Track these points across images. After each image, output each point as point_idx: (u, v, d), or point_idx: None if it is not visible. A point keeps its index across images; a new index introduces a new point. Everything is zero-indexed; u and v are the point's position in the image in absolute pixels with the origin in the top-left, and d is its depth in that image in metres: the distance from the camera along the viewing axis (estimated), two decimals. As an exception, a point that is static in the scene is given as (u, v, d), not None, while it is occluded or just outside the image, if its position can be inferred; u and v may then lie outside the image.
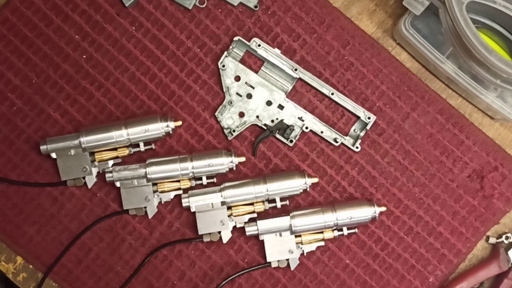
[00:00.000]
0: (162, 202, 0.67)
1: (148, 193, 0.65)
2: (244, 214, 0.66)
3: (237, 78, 0.68)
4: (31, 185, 0.67)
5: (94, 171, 0.66)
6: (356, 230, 0.66)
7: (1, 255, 0.68)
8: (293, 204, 0.67)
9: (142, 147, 0.66)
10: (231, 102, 0.67)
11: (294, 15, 0.68)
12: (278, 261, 0.65)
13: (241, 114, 0.67)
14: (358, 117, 0.67)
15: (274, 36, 0.68)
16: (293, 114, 0.67)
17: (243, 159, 0.66)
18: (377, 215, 0.64)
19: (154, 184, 0.66)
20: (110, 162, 0.66)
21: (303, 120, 0.67)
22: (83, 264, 0.67)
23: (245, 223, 0.65)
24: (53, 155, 0.66)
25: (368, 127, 0.67)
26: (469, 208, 0.67)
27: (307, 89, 0.68)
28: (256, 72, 0.68)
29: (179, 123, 0.67)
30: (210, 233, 0.65)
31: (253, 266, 0.66)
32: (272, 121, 0.67)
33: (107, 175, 0.65)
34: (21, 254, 0.68)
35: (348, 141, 0.67)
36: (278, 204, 0.65)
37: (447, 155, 0.67)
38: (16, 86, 0.68)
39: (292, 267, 0.66)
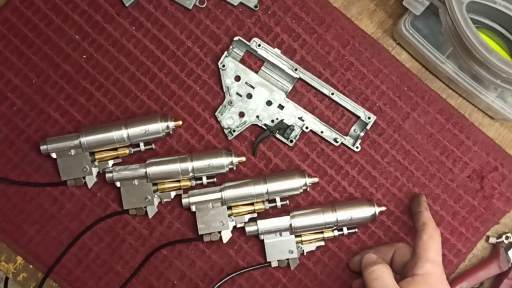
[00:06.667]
0: (162, 202, 0.67)
1: (148, 193, 0.65)
2: (244, 214, 0.66)
3: (237, 78, 0.68)
4: (31, 185, 0.67)
5: (94, 171, 0.66)
6: (356, 230, 0.66)
7: (1, 255, 0.68)
8: (293, 204, 0.67)
9: (142, 147, 0.66)
10: (231, 102, 0.67)
11: (294, 15, 0.68)
12: (278, 261, 0.65)
13: (241, 114, 0.67)
14: (358, 117, 0.67)
15: (274, 36, 0.68)
16: (293, 114, 0.67)
17: (243, 159, 0.66)
18: (377, 215, 0.64)
19: (154, 184, 0.66)
20: (110, 162, 0.66)
21: (303, 120, 0.67)
22: (83, 264, 0.67)
23: (245, 223, 0.65)
24: (53, 155, 0.66)
25: (368, 127, 0.67)
26: (469, 208, 0.67)
27: (307, 89, 0.68)
28: (256, 72, 0.68)
29: (179, 123, 0.67)
30: (210, 233, 0.65)
31: (253, 266, 0.66)
32: (272, 121, 0.67)
33: (107, 175, 0.65)
34: (21, 254, 0.68)
35: (348, 141, 0.67)
36: (278, 204, 0.65)
37: (447, 155, 0.68)
38: (16, 86, 0.68)
39: (292, 267, 0.66)
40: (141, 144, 0.66)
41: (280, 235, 0.65)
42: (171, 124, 0.66)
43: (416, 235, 0.60)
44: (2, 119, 0.68)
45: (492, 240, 0.67)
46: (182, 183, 0.66)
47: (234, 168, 0.66)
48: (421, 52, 0.65)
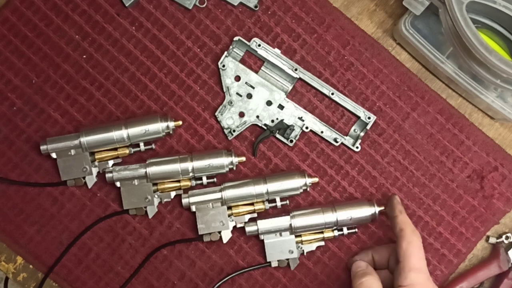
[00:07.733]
0: (162, 202, 0.67)
1: (148, 193, 0.65)
2: (244, 214, 0.66)
3: (237, 78, 0.68)
4: (31, 185, 0.67)
5: (94, 171, 0.66)
6: (356, 230, 0.66)
7: (1, 255, 0.68)
8: (293, 204, 0.67)
9: (142, 147, 0.66)
10: (231, 102, 0.67)
11: (294, 15, 0.68)
12: (278, 261, 0.65)
13: (241, 114, 0.67)
14: (358, 117, 0.67)
15: (274, 36, 0.68)
16: (293, 114, 0.67)
17: (243, 159, 0.66)
18: (377, 215, 0.64)
19: (154, 184, 0.66)
20: (110, 162, 0.66)
21: (303, 120, 0.67)
22: (83, 264, 0.67)
23: (245, 223, 0.65)
24: (53, 155, 0.66)
25: (368, 127, 0.67)
26: (469, 208, 0.67)
27: (307, 89, 0.68)
28: (256, 72, 0.68)
29: (179, 123, 0.67)
30: (210, 233, 0.65)
31: (253, 266, 0.66)
32: (272, 121, 0.67)
33: (107, 175, 0.65)
34: (21, 254, 0.68)
35: (348, 141, 0.67)
36: (278, 204, 0.65)
37: (447, 155, 0.68)
38: (16, 86, 0.68)
39: (292, 267, 0.66)
40: (141, 144, 0.66)
41: (280, 235, 0.65)
42: (171, 124, 0.66)
43: (396, 242, 0.60)
44: (2, 119, 0.68)
45: (492, 240, 0.67)
46: (182, 183, 0.66)
47: (234, 168, 0.66)
48: (421, 52, 0.65)
